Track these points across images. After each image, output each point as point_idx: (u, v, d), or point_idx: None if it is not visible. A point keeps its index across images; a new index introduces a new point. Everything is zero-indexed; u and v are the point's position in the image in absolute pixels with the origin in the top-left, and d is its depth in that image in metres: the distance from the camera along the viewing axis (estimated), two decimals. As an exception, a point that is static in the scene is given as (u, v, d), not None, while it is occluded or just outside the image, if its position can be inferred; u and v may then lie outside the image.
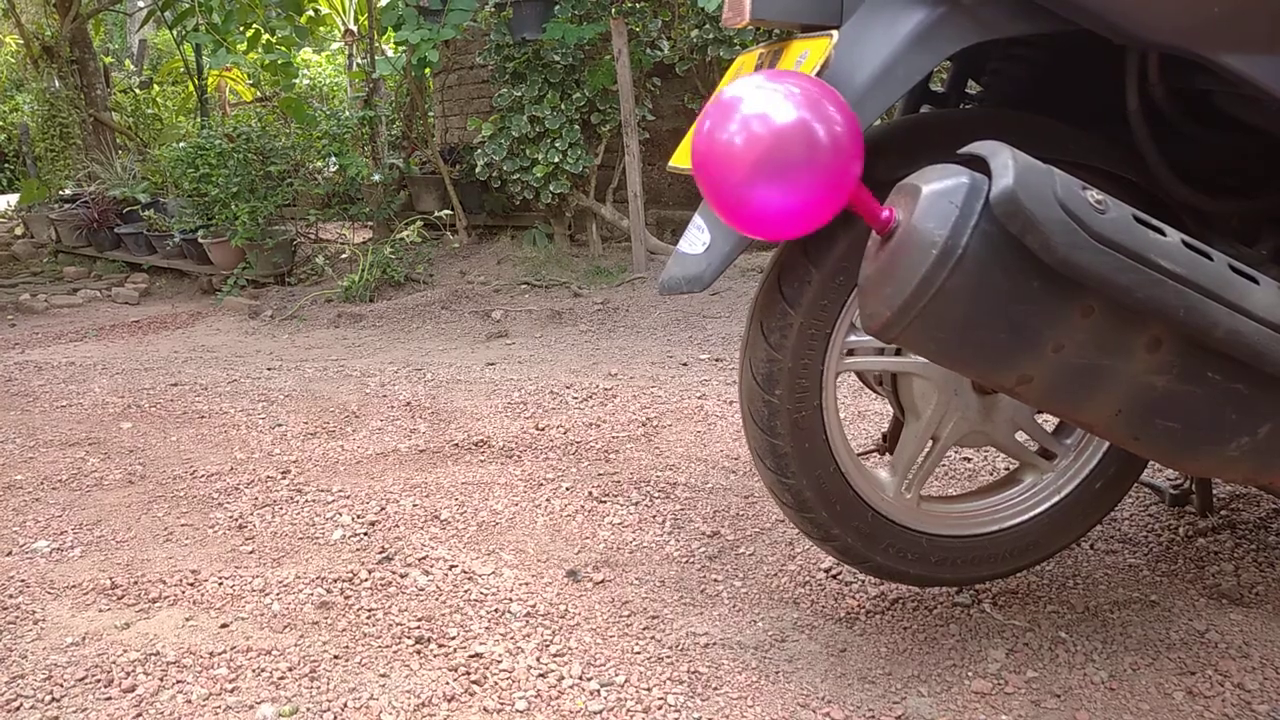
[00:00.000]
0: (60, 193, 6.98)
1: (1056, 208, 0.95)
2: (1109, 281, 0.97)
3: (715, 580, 1.75)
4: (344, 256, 5.60)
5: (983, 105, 1.60)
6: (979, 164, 1.01)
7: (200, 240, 5.74)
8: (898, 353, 1.40)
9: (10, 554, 1.98)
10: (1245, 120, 1.27)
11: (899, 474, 1.44)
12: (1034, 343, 1.03)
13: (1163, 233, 1.02)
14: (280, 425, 2.84)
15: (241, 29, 5.13)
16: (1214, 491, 1.91)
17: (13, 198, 7.84)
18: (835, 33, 1.19)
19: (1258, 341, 1.03)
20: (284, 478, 2.35)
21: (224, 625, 1.63)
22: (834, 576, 1.73)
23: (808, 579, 1.73)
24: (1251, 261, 1.14)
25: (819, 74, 1.17)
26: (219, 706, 1.40)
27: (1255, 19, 1.11)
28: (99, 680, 1.48)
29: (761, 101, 1.09)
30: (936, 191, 0.99)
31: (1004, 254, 0.98)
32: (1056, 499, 1.52)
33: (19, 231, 7.45)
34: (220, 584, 1.77)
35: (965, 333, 1.03)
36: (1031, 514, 1.52)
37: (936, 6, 1.15)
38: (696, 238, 1.29)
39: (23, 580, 1.83)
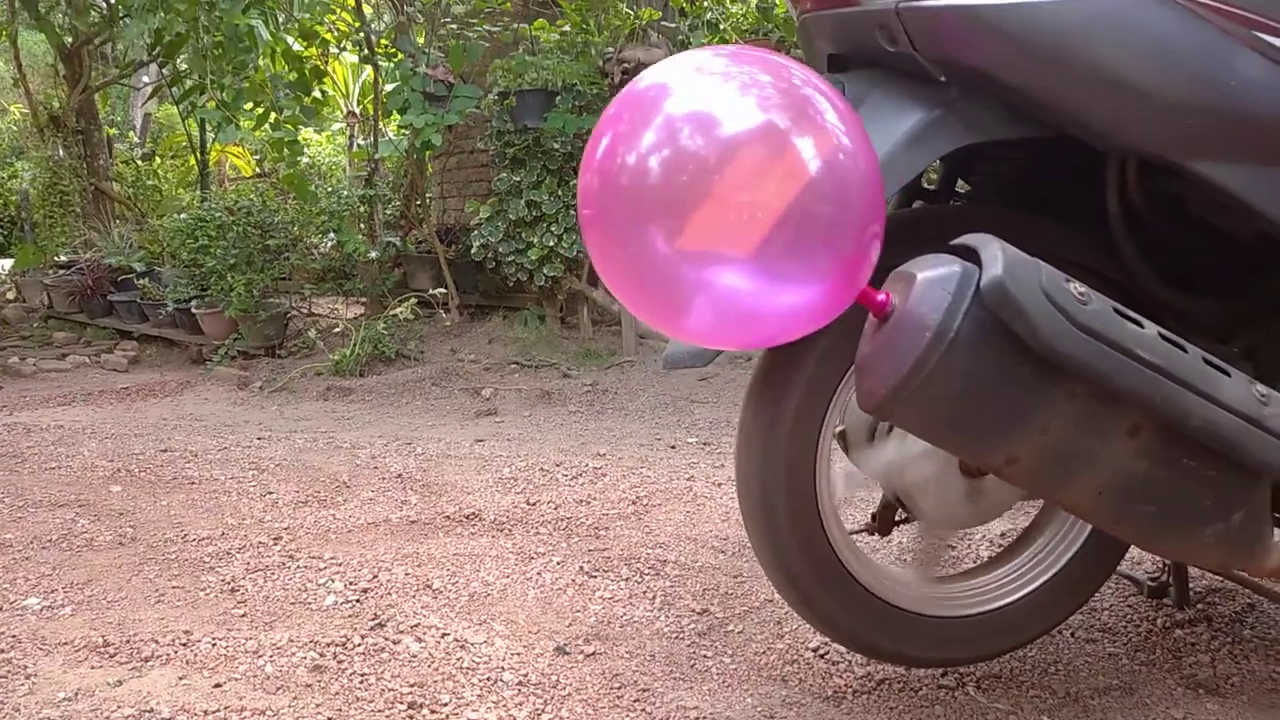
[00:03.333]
0: (56, 259, 7.04)
1: (1042, 297, 1.02)
2: (1090, 368, 1.04)
3: (705, 656, 1.78)
4: (336, 331, 5.65)
5: (973, 202, 1.69)
6: (970, 255, 1.08)
7: (193, 310, 5.79)
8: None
9: (1, 610, 1.99)
10: (1218, 224, 1.36)
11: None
12: (1021, 424, 1.09)
13: (1141, 325, 1.09)
14: (271, 493, 2.86)
15: (249, 107, 5.25)
16: (1191, 585, 1.96)
17: (7, 262, 7.89)
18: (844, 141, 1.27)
19: (1229, 430, 1.09)
20: (275, 544, 2.36)
21: (217, 685, 1.64)
22: (821, 656, 1.76)
23: (796, 657, 1.76)
24: (1225, 357, 1.20)
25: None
26: (211, 765, 1.41)
27: (1223, 130, 1.20)
28: (91, 736, 1.48)
29: (754, 110, 0.92)
30: (931, 278, 1.06)
31: (993, 339, 1.04)
32: (1040, 582, 1.57)
33: (10, 296, 7.48)
34: (213, 645, 1.78)
35: (956, 412, 1.09)
36: (1015, 596, 1.56)
37: (931, 110, 1.24)
38: None
39: (14, 636, 1.84)
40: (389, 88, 5.57)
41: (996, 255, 1.04)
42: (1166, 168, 1.23)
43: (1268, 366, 1.39)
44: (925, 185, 1.65)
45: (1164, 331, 1.10)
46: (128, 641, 1.80)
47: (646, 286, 0.96)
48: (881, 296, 1.11)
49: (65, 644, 1.80)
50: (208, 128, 6.93)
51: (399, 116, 5.41)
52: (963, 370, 1.05)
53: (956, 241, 1.11)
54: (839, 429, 1.44)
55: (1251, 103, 1.19)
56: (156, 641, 1.80)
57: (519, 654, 1.77)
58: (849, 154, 0.98)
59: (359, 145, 7.60)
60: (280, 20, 5.20)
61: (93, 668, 1.72)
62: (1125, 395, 1.06)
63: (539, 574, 2.16)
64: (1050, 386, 1.07)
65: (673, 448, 3.47)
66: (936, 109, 1.24)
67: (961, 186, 1.69)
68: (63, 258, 6.97)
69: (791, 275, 0.97)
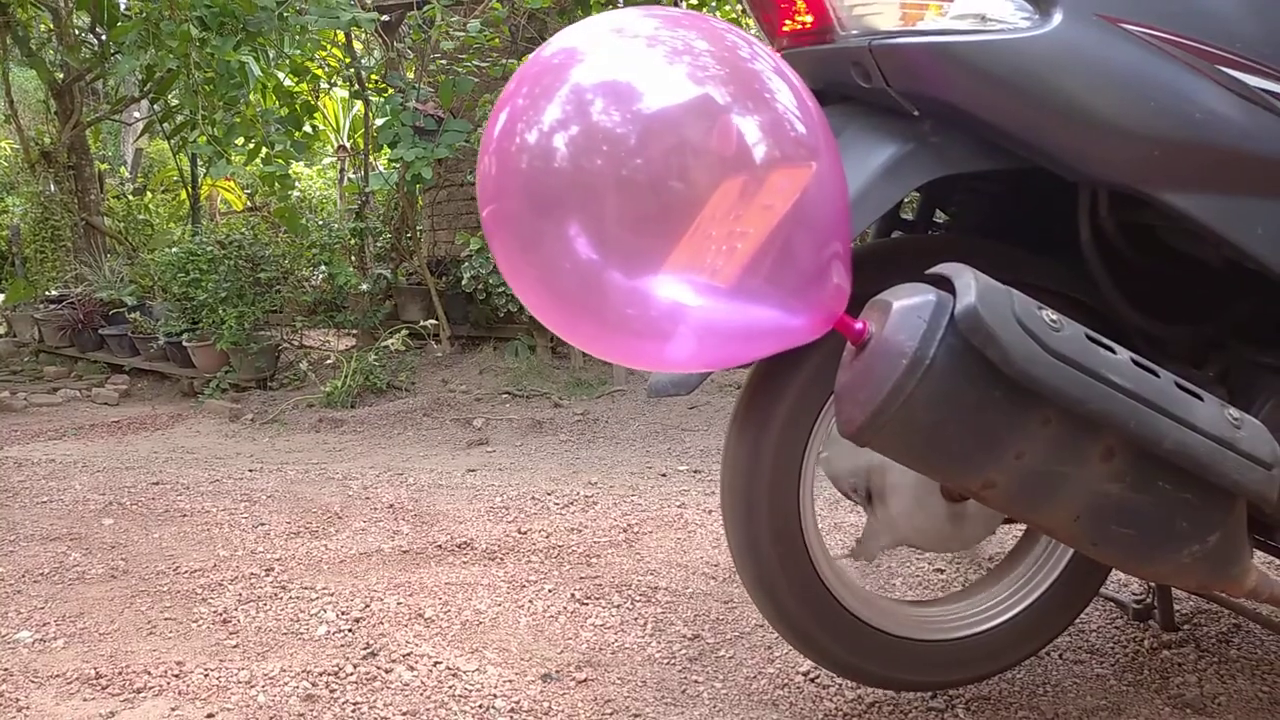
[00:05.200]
0: (47, 293, 7.06)
1: (1015, 324, 1.05)
2: (1063, 393, 1.07)
3: (696, 681, 1.79)
4: (328, 363, 5.67)
5: (949, 232, 1.73)
6: (945, 284, 1.11)
7: (184, 343, 5.81)
8: None
9: (-8, 644, 1.99)
10: (1188, 251, 1.40)
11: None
12: (997, 449, 1.12)
13: (1113, 350, 1.12)
14: (263, 524, 2.86)
15: (240, 142, 5.30)
16: (1177, 607, 1.98)
17: (-2, 296, 7.92)
18: (813, 163, 1.31)
19: (1203, 453, 1.12)
20: (268, 575, 2.37)
21: (210, 715, 1.65)
22: (812, 680, 1.77)
23: (786, 681, 1.77)
24: (1199, 382, 1.23)
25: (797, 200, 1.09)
26: (204, 795, 1.42)
27: (1189, 161, 1.23)
28: (84, 768, 1.49)
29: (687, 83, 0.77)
30: (906, 307, 1.09)
31: (968, 365, 1.07)
32: (1024, 605, 1.59)
33: (1, 330, 7.49)
34: (205, 675, 1.79)
35: (934, 438, 1.11)
36: (1002, 619, 1.59)
37: (906, 144, 1.28)
38: None
39: (5, 669, 1.84)
40: (379, 122, 5.64)
41: (970, 284, 1.07)
42: (1136, 198, 1.27)
43: (1241, 390, 1.42)
44: (904, 216, 1.69)
45: (1136, 357, 1.13)
46: (120, 673, 1.81)
47: (557, 292, 0.82)
48: (859, 325, 1.14)
49: (57, 676, 1.81)
50: (199, 162, 6.99)
51: (389, 150, 5.47)
52: (939, 396, 1.08)
53: (931, 271, 1.14)
54: (822, 454, 1.46)
55: (1215, 134, 1.23)
56: (149, 673, 1.80)
57: (511, 681, 1.78)
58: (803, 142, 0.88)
59: (350, 179, 7.65)
60: (271, 56, 5.26)
61: (85, 700, 1.72)
62: (1098, 419, 1.09)
63: (531, 602, 2.17)
64: (1025, 412, 1.10)
65: (664, 475, 3.49)
66: (910, 143, 1.27)
67: (940, 216, 1.73)
68: (54, 292, 6.99)
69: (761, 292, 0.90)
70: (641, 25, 0.86)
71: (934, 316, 1.08)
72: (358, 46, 6.43)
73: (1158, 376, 1.13)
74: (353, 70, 6.19)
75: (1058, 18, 1.20)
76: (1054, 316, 1.10)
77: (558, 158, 0.77)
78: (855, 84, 1.30)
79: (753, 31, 1.36)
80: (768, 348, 1.11)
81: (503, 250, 0.85)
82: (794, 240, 0.92)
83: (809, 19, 1.33)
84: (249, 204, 9.05)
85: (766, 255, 0.92)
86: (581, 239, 0.77)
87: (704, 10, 5.67)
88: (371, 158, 6.64)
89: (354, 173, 7.52)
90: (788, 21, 1.36)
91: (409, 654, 1.88)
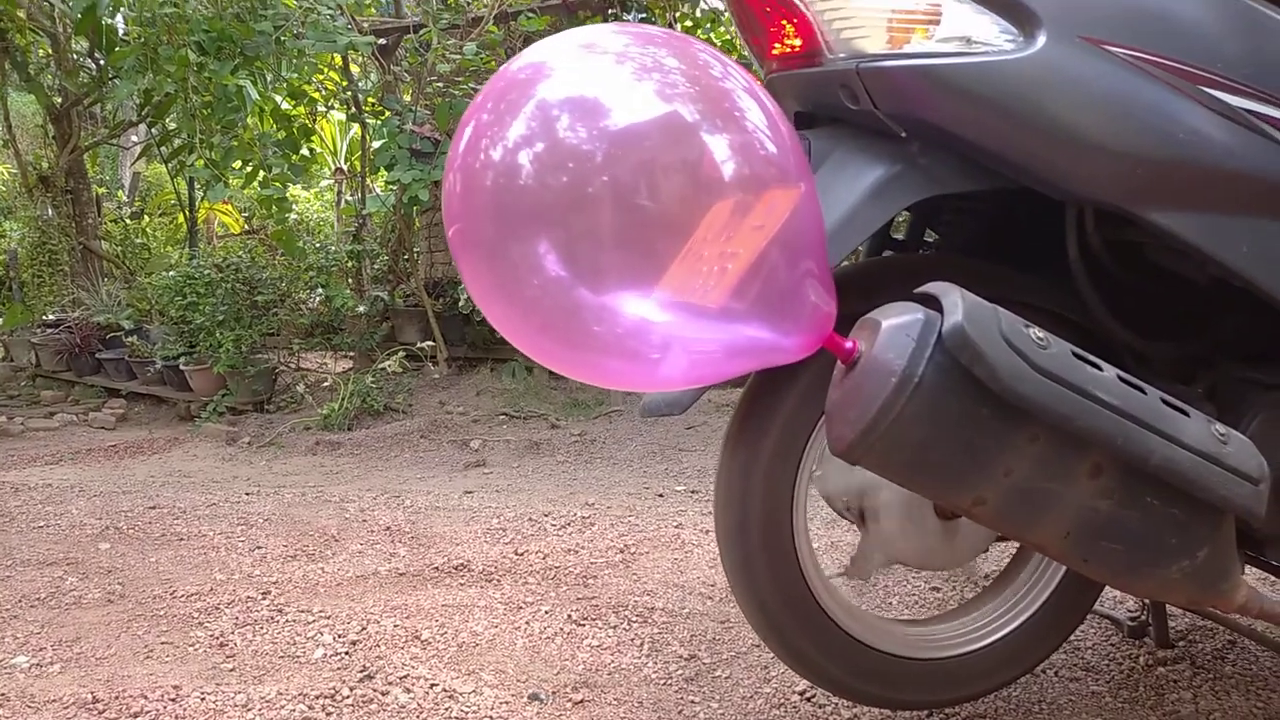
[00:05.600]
0: (44, 317, 7.06)
1: (1001, 342, 1.06)
2: (1050, 410, 1.08)
3: (692, 702, 1.79)
4: (325, 385, 5.68)
5: (938, 251, 1.74)
6: (933, 302, 1.12)
7: (181, 367, 5.81)
8: None
9: (-12, 669, 1.99)
10: (1174, 269, 1.41)
11: None
12: (986, 466, 1.13)
13: (1100, 368, 1.13)
14: (260, 548, 2.86)
15: (238, 165, 5.33)
16: (1172, 624, 1.98)
17: (-5, 321, 7.92)
18: (802, 184, 1.32)
19: (1189, 469, 1.13)
20: (264, 598, 2.37)
21: (206, 739, 1.65)
22: (808, 699, 1.77)
23: (783, 701, 1.78)
24: (1186, 398, 1.24)
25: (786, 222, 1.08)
26: (200, 819, 1.42)
27: (1173, 180, 1.25)
28: (79, 793, 1.49)
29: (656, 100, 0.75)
30: (895, 325, 1.11)
31: (956, 383, 1.08)
32: (1018, 623, 1.59)
33: (-1, 355, 7.50)
34: (202, 699, 1.79)
35: (923, 455, 1.12)
36: (995, 637, 1.59)
37: (894, 165, 1.29)
38: None
39: (2, 694, 1.84)
40: (376, 145, 5.67)
41: (957, 302, 1.08)
42: (1122, 216, 1.28)
43: (1229, 406, 1.43)
44: (895, 236, 1.70)
45: (1122, 374, 1.14)
46: (117, 698, 1.80)
47: (518, 307, 0.79)
48: (849, 343, 1.15)
49: (54, 701, 1.81)
50: (197, 186, 7.01)
51: (386, 173, 5.50)
52: (928, 414, 1.09)
53: (919, 289, 1.15)
54: (816, 473, 1.47)
55: (1198, 153, 1.24)
56: (145, 697, 1.80)
57: (507, 703, 1.78)
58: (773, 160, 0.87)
59: (347, 201, 7.68)
60: (269, 80, 5.29)
61: (81, 725, 1.72)
62: (1086, 436, 1.10)
63: (527, 623, 2.17)
64: (1013, 429, 1.11)
65: (661, 496, 3.49)
66: (898, 164, 1.29)
67: (930, 235, 1.74)
68: (50, 316, 7.00)
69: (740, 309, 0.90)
70: (612, 42, 0.86)
71: (922, 335, 1.09)
72: (355, 70, 6.47)
73: (1144, 393, 1.14)
74: (350, 93, 6.23)
75: (1041, 40, 1.22)
76: (1041, 334, 1.11)
77: (523, 174, 0.75)
78: (843, 106, 1.31)
79: (735, 56, 1.37)
80: (753, 366, 1.11)
81: (470, 270, 0.84)
82: (772, 261, 0.92)
83: (797, 42, 1.35)
84: (246, 227, 9.08)
85: (750, 276, 0.94)
86: (550, 257, 0.76)
87: (698, 33, 5.71)
88: (368, 180, 6.67)
89: (351, 195, 7.55)
90: (777, 45, 1.38)
91: (406, 676, 1.88)
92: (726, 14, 5.69)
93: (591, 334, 0.80)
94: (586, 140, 0.75)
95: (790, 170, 0.97)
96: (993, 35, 1.24)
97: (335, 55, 5.65)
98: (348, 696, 1.78)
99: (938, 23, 1.25)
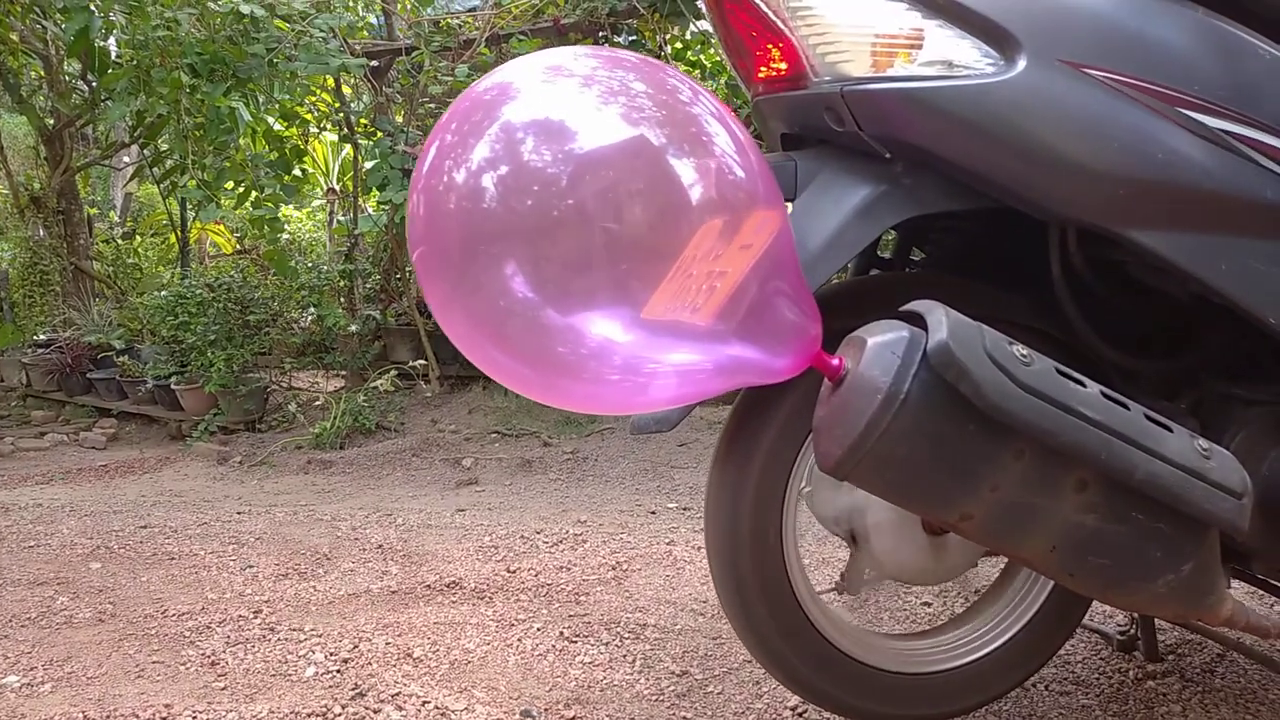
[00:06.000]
0: (35, 337, 7.05)
1: (985, 359, 1.08)
2: (1034, 426, 1.09)
3: (685, 717, 1.80)
4: (317, 404, 5.67)
5: (924, 269, 1.76)
6: (918, 320, 1.14)
7: (173, 386, 5.81)
8: None
9: (-21, 690, 1.99)
10: (1156, 287, 1.43)
11: None
12: (972, 482, 1.14)
13: (1083, 384, 1.15)
14: (251, 567, 2.86)
15: (230, 186, 5.35)
16: (1161, 638, 2.00)
17: (-15, 342, 7.90)
18: (789, 205, 1.34)
19: (1173, 483, 1.14)
20: (256, 617, 2.37)
21: (198, 759, 1.65)
22: (800, 715, 1.78)
23: (774, 716, 1.78)
24: (1170, 414, 1.26)
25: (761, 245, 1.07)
26: (192, 838, 1.42)
27: (1153, 200, 1.27)
28: (71, 813, 1.49)
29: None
30: (880, 343, 1.12)
31: (941, 400, 1.10)
32: (1007, 637, 1.61)
33: (-12, 375, 7.47)
34: (194, 718, 1.79)
35: (909, 471, 1.14)
36: (985, 651, 1.60)
37: (878, 185, 1.31)
38: None
39: (-7, 715, 1.84)
40: (368, 165, 5.69)
41: (941, 320, 1.10)
42: (1103, 235, 1.31)
43: (1213, 422, 1.45)
44: (883, 254, 1.73)
45: (1106, 390, 1.16)
46: (108, 717, 1.80)
47: (484, 330, 0.77)
48: (835, 361, 1.17)
49: (45, 722, 1.81)
50: (189, 206, 7.02)
51: (378, 193, 5.51)
52: (914, 430, 1.10)
53: (904, 307, 1.17)
54: (805, 490, 1.48)
55: (1177, 174, 1.27)
56: (137, 716, 1.80)
57: (499, 721, 1.78)
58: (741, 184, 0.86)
59: (339, 221, 7.69)
60: (261, 101, 5.32)
61: (73, 745, 1.72)
62: (1070, 452, 1.12)
63: (519, 640, 2.18)
64: (998, 445, 1.12)
65: (653, 513, 3.50)
66: (883, 184, 1.31)
67: (917, 254, 1.77)
68: (41, 336, 6.99)
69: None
70: (579, 64, 0.87)
71: (907, 352, 1.11)
72: (347, 91, 6.50)
73: (1128, 409, 1.15)
74: (342, 115, 6.25)
75: (1022, 64, 1.24)
76: (1024, 351, 1.13)
77: (486, 197, 0.74)
78: (829, 128, 1.33)
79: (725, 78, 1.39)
80: (740, 385, 1.13)
81: (434, 293, 0.83)
82: (746, 284, 0.92)
83: (783, 66, 1.37)
84: (238, 247, 9.08)
85: (733, 300, 0.95)
86: (517, 279, 0.75)
87: (687, 55, 5.75)
88: (360, 200, 6.68)
89: (343, 215, 7.56)
90: (763, 68, 1.40)
91: (397, 694, 1.88)
92: (715, 37, 5.73)
93: (556, 355, 0.80)
94: (551, 163, 0.74)
95: (759, 194, 0.97)
96: (974, 59, 1.26)
97: (328, 77, 5.68)
98: (340, 715, 1.78)
99: (920, 47, 1.28)
